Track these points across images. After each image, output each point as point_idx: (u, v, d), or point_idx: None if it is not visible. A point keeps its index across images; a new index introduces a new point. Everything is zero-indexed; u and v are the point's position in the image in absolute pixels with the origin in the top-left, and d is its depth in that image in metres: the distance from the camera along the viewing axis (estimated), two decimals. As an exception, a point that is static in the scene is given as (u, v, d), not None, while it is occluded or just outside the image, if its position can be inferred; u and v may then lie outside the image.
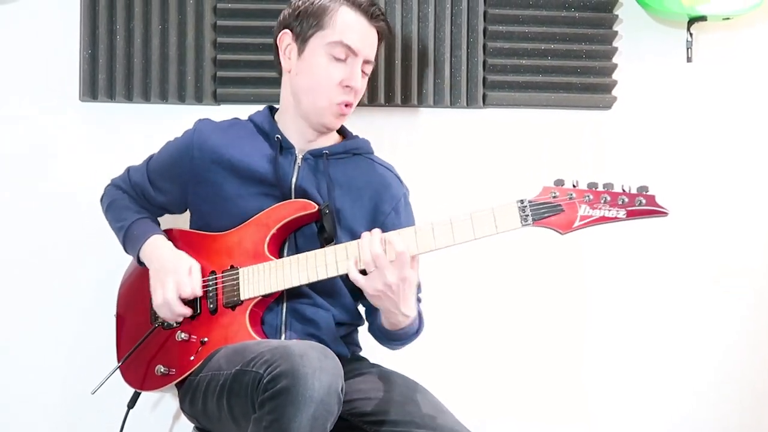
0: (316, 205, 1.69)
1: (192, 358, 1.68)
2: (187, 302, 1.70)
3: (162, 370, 1.71)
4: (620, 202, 1.49)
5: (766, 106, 2.33)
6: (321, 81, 1.71)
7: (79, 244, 2.15)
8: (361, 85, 1.74)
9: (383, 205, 1.79)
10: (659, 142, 2.30)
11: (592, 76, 2.24)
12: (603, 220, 1.50)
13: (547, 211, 1.52)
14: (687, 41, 2.25)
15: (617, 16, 2.25)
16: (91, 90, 2.12)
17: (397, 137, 2.12)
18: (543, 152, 2.26)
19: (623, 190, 1.50)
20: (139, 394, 1.83)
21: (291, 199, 1.73)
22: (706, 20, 2.19)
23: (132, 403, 1.86)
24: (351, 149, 1.82)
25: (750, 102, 2.33)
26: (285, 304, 1.72)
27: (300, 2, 1.75)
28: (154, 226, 1.82)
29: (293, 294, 1.72)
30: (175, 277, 1.68)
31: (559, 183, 1.53)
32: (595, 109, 2.26)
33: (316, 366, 1.40)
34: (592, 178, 2.21)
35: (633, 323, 2.30)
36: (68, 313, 2.16)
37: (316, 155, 1.77)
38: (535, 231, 2.22)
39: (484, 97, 2.21)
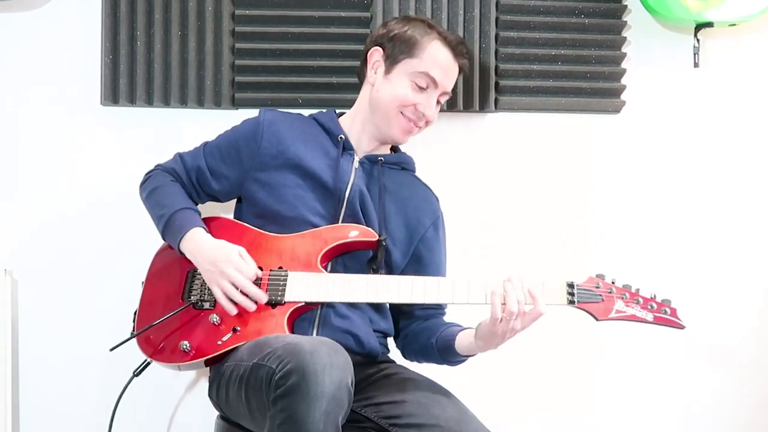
0: (376, 235, 1.76)
1: (219, 342, 1.69)
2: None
3: (185, 347, 1.70)
4: (649, 307, 1.69)
5: (771, 110, 2.38)
6: (400, 101, 1.82)
7: (100, 247, 2.18)
8: (434, 113, 1.85)
9: (424, 218, 1.90)
10: (667, 146, 2.34)
11: (602, 81, 2.28)
12: (633, 318, 1.69)
13: (590, 298, 1.69)
14: (694, 47, 2.29)
15: (626, 22, 2.29)
16: (112, 94, 2.16)
17: (412, 140, 2.16)
18: (553, 155, 2.30)
19: (652, 297, 1.70)
20: (149, 363, 1.79)
21: (343, 202, 1.80)
22: (712, 26, 2.23)
23: (138, 372, 1.81)
24: (402, 162, 1.93)
25: (756, 106, 2.36)
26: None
27: (396, 25, 1.86)
28: (196, 218, 1.80)
29: None
30: (234, 266, 1.69)
31: (602, 277, 1.72)
32: (605, 113, 2.31)
33: (326, 362, 1.43)
34: (601, 181, 2.31)
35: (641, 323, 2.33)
36: (86, 319, 2.19)
37: (372, 161, 1.87)
38: (544, 244, 2.27)
39: (496, 101, 2.26)
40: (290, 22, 2.18)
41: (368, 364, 1.79)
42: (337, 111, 1.95)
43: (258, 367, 1.52)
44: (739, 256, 2.36)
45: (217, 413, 1.83)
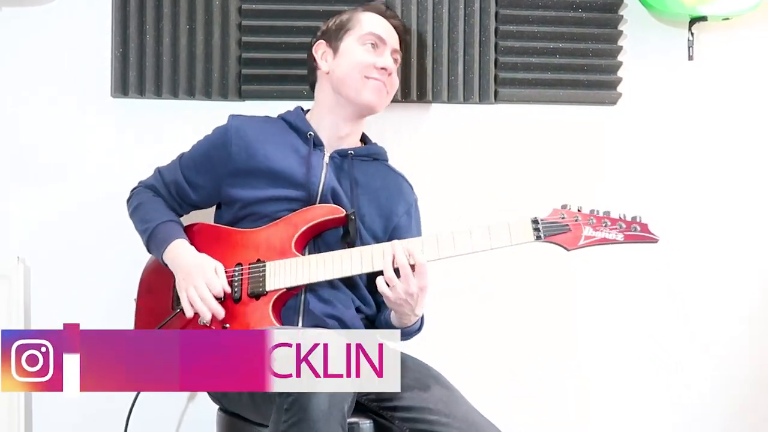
0: (343, 210, 1.80)
1: None
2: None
3: None
4: (618, 227, 1.70)
5: (763, 102, 2.40)
6: (360, 65, 1.88)
7: (110, 235, 2.20)
8: (394, 71, 1.92)
9: (397, 207, 1.92)
10: (661, 136, 2.37)
11: (598, 73, 2.32)
12: (604, 241, 1.70)
13: (556, 230, 1.71)
14: (688, 40, 2.32)
15: (622, 16, 2.33)
16: (122, 86, 2.21)
17: (413, 131, 2.21)
18: (551, 145, 2.34)
19: (621, 217, 1.71)
20: None
21: (316, 200, 1.83)
22: (706, 20, 2.27)
23: None
24: (373, 154, 1.95)
25: (747, 99, 2.40)
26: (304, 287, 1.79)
27: (327, 23, 1.99)
28: (178, 230, 1.87)
29: None
30: (204, 278, 1.76)
31: (566, 207, 1.73)
32: (601, 104, 2.34)
33: None
34: (599, 171, 2.34)
35: (638, 321, 2.37)
36: (96, 307, 2.22)
37: (342, 155, 1.89)
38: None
39: (496, 93, 2.30)
40: (295, 16, 2.23)
41: None
42: (305, 108, 1.99)
43: None
44: (734, 246, 2.39)
45: (216, 406, 1.86)
